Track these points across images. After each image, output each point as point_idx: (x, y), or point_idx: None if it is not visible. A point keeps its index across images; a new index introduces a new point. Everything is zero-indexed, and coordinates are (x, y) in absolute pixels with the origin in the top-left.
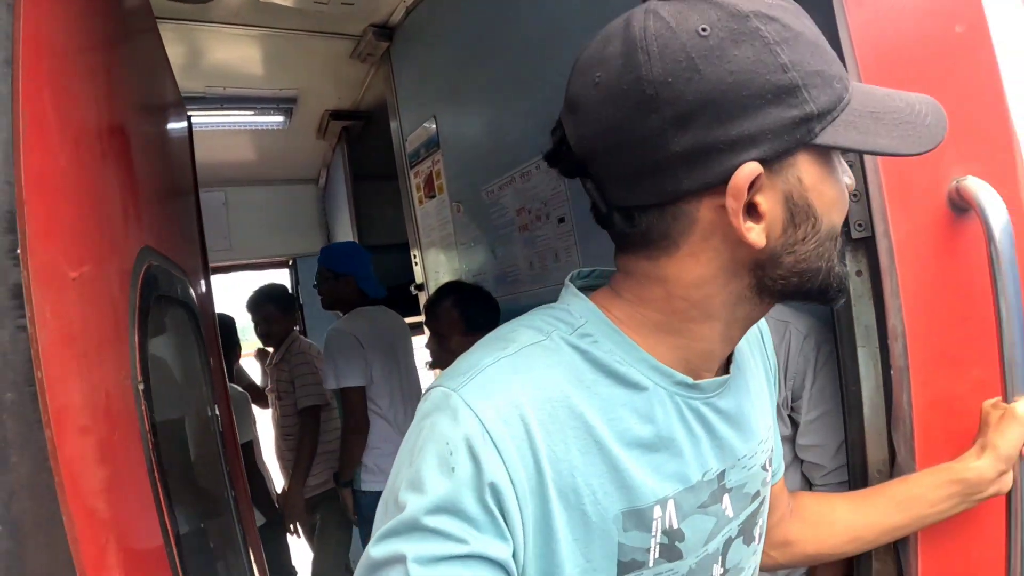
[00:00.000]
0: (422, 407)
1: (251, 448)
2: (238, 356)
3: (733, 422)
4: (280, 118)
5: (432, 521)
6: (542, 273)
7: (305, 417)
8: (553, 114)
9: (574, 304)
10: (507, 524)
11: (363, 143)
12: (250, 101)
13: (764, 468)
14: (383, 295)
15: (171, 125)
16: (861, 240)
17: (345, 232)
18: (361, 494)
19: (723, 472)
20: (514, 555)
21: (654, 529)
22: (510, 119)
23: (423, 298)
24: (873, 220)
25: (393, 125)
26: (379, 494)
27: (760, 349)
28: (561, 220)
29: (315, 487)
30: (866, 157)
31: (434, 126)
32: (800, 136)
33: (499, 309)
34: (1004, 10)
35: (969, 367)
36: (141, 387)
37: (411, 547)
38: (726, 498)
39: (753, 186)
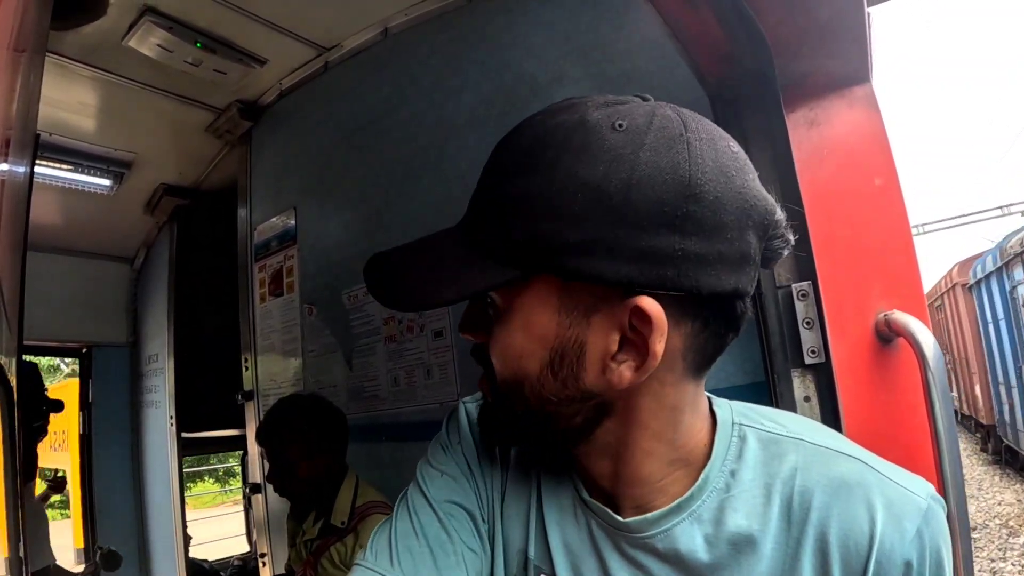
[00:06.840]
0: None
1: None
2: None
3: None
4: (107, 182)
5: None
6: (409, 389)
7: None
8: (441, 218)
9: None
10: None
11: (197, 227)
12: (76, 156)
13: None
14: None
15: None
16: (812, 366)
17: (159, 323)
18: None
19: None
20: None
21: None
22: (390, 220)
23: (250, 408)
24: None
25: (241, 213)
26: None
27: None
28: (438, 334)
29: None
30: (820, 287)
31: (293, 219)
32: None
33: (347, 425)
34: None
35: None
36: None
37: None
38: None
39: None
